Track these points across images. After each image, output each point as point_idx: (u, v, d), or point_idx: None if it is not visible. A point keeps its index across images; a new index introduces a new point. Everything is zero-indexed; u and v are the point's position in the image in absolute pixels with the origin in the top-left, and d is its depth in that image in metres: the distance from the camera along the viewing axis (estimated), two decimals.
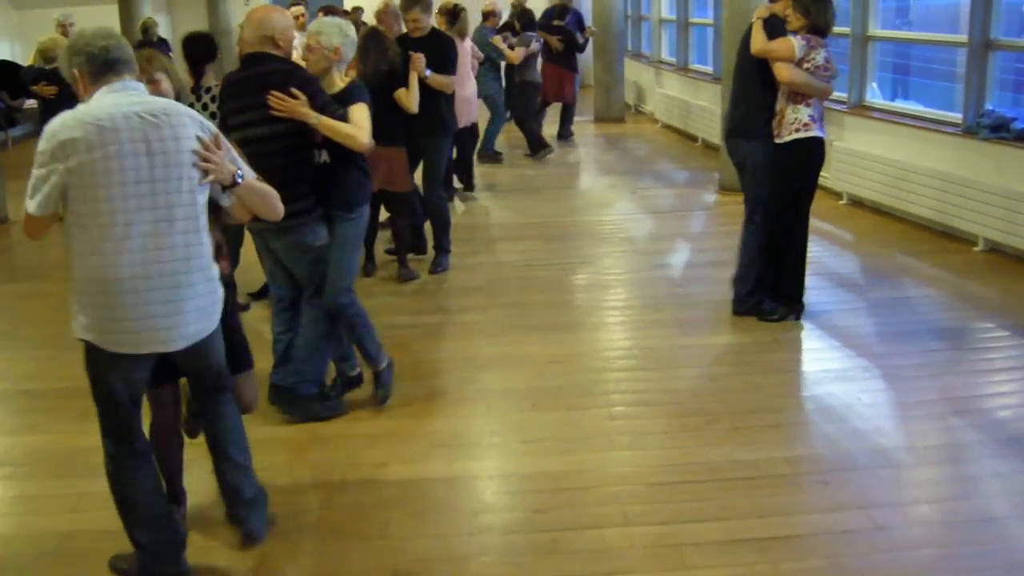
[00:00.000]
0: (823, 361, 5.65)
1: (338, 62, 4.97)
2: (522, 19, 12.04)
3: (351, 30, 5.04)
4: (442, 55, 7.34)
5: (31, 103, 16.25)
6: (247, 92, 4.59)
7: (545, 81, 12.59)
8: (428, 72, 7.14)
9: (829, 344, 5.87)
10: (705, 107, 12.41)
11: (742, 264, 6.27)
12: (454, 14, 8.96)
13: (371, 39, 6.90)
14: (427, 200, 7.72)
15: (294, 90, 4.47)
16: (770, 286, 6.15)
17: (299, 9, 10.48)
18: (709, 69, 12.91)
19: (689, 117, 13.21)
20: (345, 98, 4.80)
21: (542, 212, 9.54)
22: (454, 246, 7.88)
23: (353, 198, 4.94)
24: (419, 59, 7.00)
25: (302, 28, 9.82)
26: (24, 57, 16.92)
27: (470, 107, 9.31)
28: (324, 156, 4.79)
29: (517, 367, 5.63)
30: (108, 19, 14.38)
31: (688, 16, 13.90)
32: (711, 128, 11.75)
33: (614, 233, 8.72)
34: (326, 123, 4.57)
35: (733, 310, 6.28)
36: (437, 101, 7.39)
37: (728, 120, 6.36)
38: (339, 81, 4.97)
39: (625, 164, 12.06)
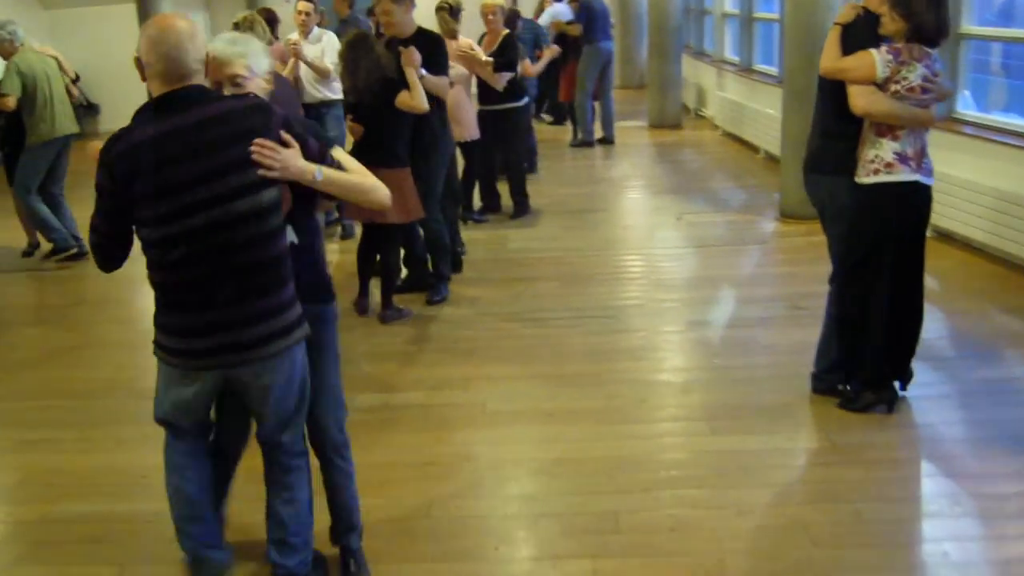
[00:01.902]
0: (895, 484, 4.17)
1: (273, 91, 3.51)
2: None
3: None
4: (431, 55, 6.25)
5: None
6: (194, 152, 2.91)
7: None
8: (424, 72, 6.07)
9: (905, 455, 4.42)
10: (768, 114, 10.88)
11: (825, 331, 4.89)
12: (454, 11, 7.69)
13: (358, 46, 5.95)
14: (423, 224, 6.64)
15: (285, 135, 2.97)
16: (855, 363, 4.76)
17: (306, 5, 8.57)
18: (774, 70, 11.38)
19: (751, 124, 11.71)
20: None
21: (568, 243, 8.18)
22: (457, 285, 6.76)
23: (329, 283, 3.49)
24: (412, 52, 5.95)
25: (304, 30, 8.49)
26: None
27: (469, 117, 7.99)
28: (292, 235, 3.19)
29: (488, 482, 4.32)
30: (129, 18, 13.41)
31: (752, 10, 12.37)
32: (774, 138, 10.23)
33: (649, 274, 7.33)
34: (338, 179, 3.09)
35: (811, 387, 4.92)
36: (430, 109, 6.24)
37: (806, 149, 4.90)
38: None
39: (675, 180, 10.61)
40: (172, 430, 3.27)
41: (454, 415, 4.98)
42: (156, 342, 3.14)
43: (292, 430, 3.26)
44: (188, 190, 2.88)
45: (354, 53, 5.93)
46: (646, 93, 14.56)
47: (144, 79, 3.10)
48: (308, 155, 3.01)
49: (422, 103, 5.96)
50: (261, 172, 2.88)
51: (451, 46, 7.76)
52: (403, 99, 5.93)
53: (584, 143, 12.50)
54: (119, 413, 5.13)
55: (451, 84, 6.83)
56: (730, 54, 13.62)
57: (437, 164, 6.52)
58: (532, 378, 5.40)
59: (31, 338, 6.54)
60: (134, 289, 7.01)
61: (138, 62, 3.32)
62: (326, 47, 8.30)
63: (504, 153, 8.84)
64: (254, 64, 3.26)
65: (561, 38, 12.64)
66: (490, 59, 8.03)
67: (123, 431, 4.88)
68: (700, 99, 14.88)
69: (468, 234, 8.27)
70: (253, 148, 2.88)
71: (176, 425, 3.25)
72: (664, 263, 7.59)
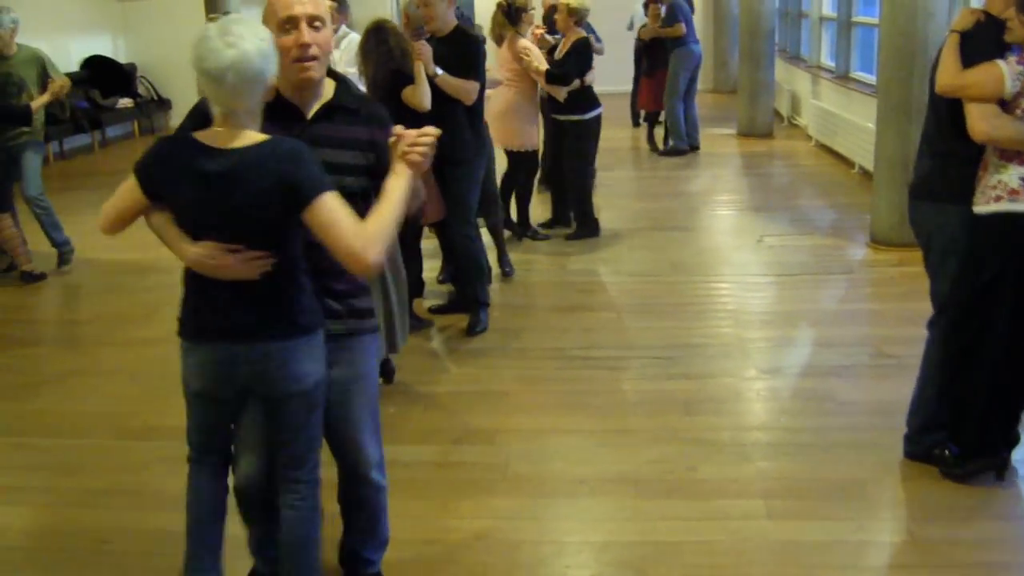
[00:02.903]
0: None
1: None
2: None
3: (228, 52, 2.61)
4: (461, 55, 5.75)
5: (125, 102, 15.19)
6: None
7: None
8: (439, 71, 5.59)
9: (1002, 559, 3.62)
10: (864, 126, 9.97)
11: (919, 386, 4.16)
12: (512, 12, 7.12)
13: (371, 37, 5.66)
14: (452, 241, 6.13)
15: None
16: (959, 422, 4.01)
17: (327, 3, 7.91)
18: (873, 79, 10.45)
19: (846, 137, 10.79)
20: None
21: (633, 266, 7.47)
22: (501, 311, 6.23)
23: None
24: (422, 47, 5.53)
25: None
26: (127, 53, 15.87)
27: (516, 125, 7.39)
28: None
29: (494, 571, 3.65)
30: (198, 11, 12.97)
31: (851, 14, 11.45)
32: (871, 153, 9.33)
33: (720, 306, 6.59)
34: None
35: (904, 451, 4.20)
36: (456, 113, 5.72)
37: (914, 172, 4.16)
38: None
39: (760, 196, 9.80)
40: None
41: (470, 478, 4.33)
42: None
43: None
44: None
45: (367, 43, 5.65)
46: (735, 100, 13.73)
47: None
48: None
49: (422, 101, 5.46)
50: None
51: (510, 47, 7.27)
52: (407, 94, 5.52)
53: (677, 151, 11.77)
54: (97, 458, 4.58)
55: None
56: (827, 60, 12.71)
57: (466, 173, 5.92)
58: (568, 433, 4.73)
59: (28, 360, 6.01)
60: (155, 307, 6.51)
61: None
62: (344, 52, 7.52)
63: (567, 166, 8.15)
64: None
65: (651, 44, 11.91)
66: (543, 69, 7.35)
67: (95, 481, 4.35)
68: (794, 107, 13.96)
69: (525, 254, 7.65)
70: None
71: None
72: (737, 294, 6.82)
